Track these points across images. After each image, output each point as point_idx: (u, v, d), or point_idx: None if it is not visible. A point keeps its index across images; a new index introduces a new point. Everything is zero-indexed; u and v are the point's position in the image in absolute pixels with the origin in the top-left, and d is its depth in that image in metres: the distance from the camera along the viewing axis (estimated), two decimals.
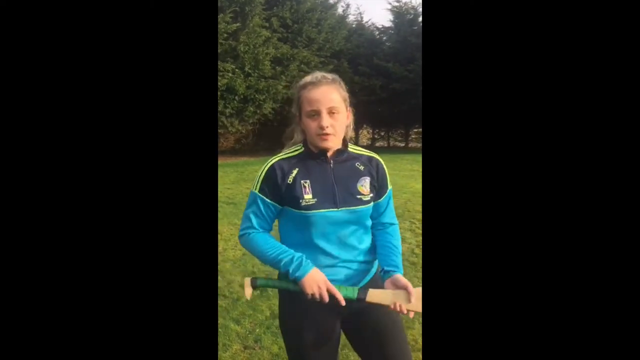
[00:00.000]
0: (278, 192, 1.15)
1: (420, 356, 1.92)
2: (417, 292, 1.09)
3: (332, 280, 1.17)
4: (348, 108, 1.17)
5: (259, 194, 1.17)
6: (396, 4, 14.24)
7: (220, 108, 10.45)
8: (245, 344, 2.17)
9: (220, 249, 3.66)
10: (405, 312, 1.09)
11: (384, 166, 1.24)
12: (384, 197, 1.24)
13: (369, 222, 1.24)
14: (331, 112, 1.10)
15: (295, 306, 1.20)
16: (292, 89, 1.17)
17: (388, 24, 15.09)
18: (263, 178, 1.16)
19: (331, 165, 1.17)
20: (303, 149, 1.18)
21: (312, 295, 1.08)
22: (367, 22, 19.00)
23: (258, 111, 11.52)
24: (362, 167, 1.19)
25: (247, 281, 1.14)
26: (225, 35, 10.28)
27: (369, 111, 12.48)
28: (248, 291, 1.14)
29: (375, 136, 16.00)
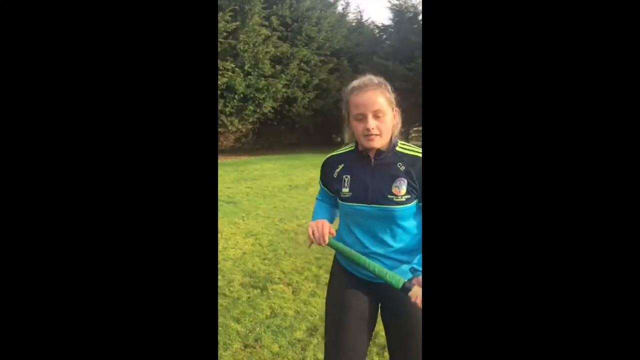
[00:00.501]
0: (328, 181, 1.36)
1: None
2: None
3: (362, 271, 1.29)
4: (394, 109, 1.25)
5: (320, 179, 1.42)
6: (396, 2, 14.20)
7: (220, 107, 10.45)
8: (245, 342, 2.17)
9: (220, 247, 3.66)
10: None
11: None
12: None
13: (409, 223, 1.25)
14: (376, 115, 1.19)
15: (340, 285, 1.35)
16: (341, 93, 1.34)
17: (388, 22, 15.11)
18: (321, 169, 1.40)
19: (372, 163, 1.25)
20: (354, 147, 1.32)
21: (312, 232, 1.26)
22: (366, 20, 18.94)
23: (258, 110, 11.52)
24: (402, 168, 1.22)
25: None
26: (225, 33, 10.28)
27: None
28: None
29: None
